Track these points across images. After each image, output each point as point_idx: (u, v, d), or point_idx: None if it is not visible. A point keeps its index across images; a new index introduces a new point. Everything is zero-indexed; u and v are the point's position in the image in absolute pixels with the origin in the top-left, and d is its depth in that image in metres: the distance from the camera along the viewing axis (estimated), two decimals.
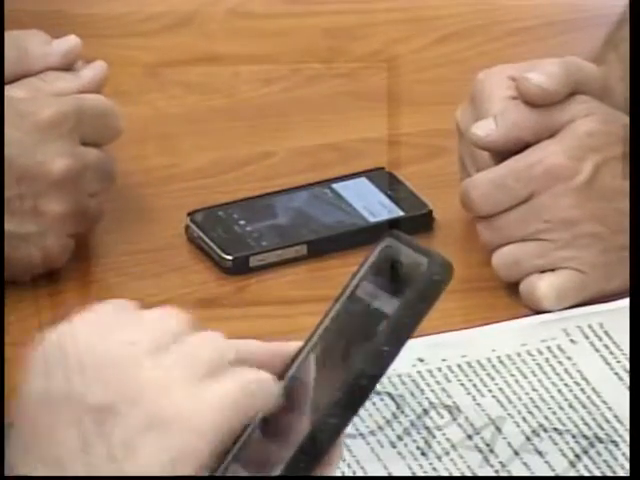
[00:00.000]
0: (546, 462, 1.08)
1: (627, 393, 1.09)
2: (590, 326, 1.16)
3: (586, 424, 1.03)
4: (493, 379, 1.09)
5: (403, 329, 0.78)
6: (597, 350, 1.11)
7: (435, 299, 0.76)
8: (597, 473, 1.13)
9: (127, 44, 1.85)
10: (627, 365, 1.12)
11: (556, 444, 1.08)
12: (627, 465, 1.06)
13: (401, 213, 1.16)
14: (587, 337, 1.15)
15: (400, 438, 1.03)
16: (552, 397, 1.06)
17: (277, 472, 0.82)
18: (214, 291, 1.11)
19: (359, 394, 0.80)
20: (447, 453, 1.06)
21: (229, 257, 1.06)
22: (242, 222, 1.13)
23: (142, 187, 1.37)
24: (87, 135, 1.05)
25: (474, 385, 1.11)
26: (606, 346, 1.20)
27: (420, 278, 0.76)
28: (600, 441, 1.05)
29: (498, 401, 1.11)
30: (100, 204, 1.12)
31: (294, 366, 0.82)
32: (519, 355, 1.09)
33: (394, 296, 0.77)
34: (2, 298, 1.13)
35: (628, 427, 1.15)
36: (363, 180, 1.18)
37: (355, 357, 0.81)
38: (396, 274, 0.80)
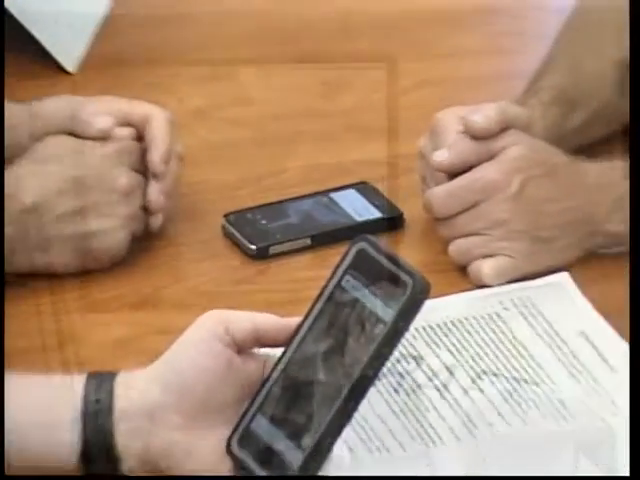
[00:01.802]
0: (487, 399, 1.21)
1: (546, 347, 1.19)
2: (520, 298, 1.30)
3: (516, 370, 1.19)
4: (448, 337, 1.24)
5: (398, 334, 0.82)
6: (524, 316, 1.27)
7: (419, 310, 0.82)
8: (525, 407, 1.28)
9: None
10: (546, 327, 1.21)
11: (494, 384, 1.20)
12: (545, 400, 1.29)
13: (380, 215, 1.28)
14: (517, 306, 1.29)
15: (379, 379, 1.11)
16: (491, 350, 1.23)
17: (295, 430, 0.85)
18: (242, 272, 1.24)
19: (366, 384, 0.83)
20: (414, 391, 1.16)
21: (254, 247, 1.18)
22: (264, 221, 1.25)
23: (187, 196, 1.45)
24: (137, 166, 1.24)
25: (434, 341, 1.22)
26: (531, 313, 1.34)
27: (410, 295, 0.81)
28: (525, 382, 1.26)
29: (451, 353, 1.22)
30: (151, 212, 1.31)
31: (296, 339, 0.84)
32: (467, 319, 1.20)
33: (386, 305, 0.83)
34: (2, 298, 1.19)
35: (547, 372, 1.34)
36: (352, 191, 1.29)
37: (360, 355, 0.82)
38: (382, 281, 0.91)
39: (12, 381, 1.05)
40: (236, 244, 1.24)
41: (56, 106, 1.31)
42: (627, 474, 1.02)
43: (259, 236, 1.22)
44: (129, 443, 0.95)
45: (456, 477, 1.07)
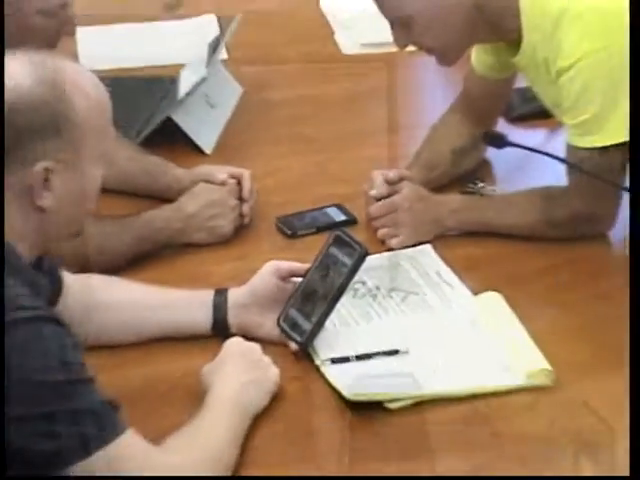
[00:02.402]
0: (395, 300, 1.91)
1: (419, 277, 1.99)
2: (407, 255, 2.05)
3: (407, 286, 1.94)
4: (377, 271, 1.96)
5: (354, 272, 1.65)
6: (410, 263, 2.04)
7: (363, 261, 1.66)
8: (413, 304, 1.91)
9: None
10: (419, 268, 2.03)
11: (398, 294, 1.91)
12: (421, 301, 1.92)
13: (346, 218, 2.15)
14: (407, 259, 2.04)
15: (346, 291, 1.76)
16: (397, 277, 1.99)
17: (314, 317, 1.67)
18: (284, 246, 2.11)
19: (340, 292, 1.64)
20: (362, 296, 1.89)
21: (290, 232, 2.10)
22: (295, 222, 2.13)
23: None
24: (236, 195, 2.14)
25: (371, 275, 1.93)
26: (413, 262, 2.04)
27: (358, 256, 1.65)
28: (415, 293, 1.93)
29: (379, 279, 1.94)
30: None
31: (310, 272, 1.69)
32: (385, 265, 2.01)
33: (350, 259, 1.66)
34: (2, 289, 1.54)
35: (423, 289, 1.96)
36: (333, 208, 2.16)
37: (340, 279, 1.65)
38: (346, 249, 1.68)
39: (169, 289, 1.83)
40: (282, 232, 2.14)
41: (201, 170, 2.24)
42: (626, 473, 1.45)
43: (294, 226, 2.12)
44: (234, 320, 1.74)
45: (457, 477, 1.64)
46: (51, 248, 1.70)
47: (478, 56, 2.28)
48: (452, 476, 1.67)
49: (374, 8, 2.10)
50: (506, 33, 2.08)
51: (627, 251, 1.84)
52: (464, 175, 2.36)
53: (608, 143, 2.00)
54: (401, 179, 2.18)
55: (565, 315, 1.96)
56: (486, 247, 2.17)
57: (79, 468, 1.45)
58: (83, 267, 1.94)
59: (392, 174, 2.19)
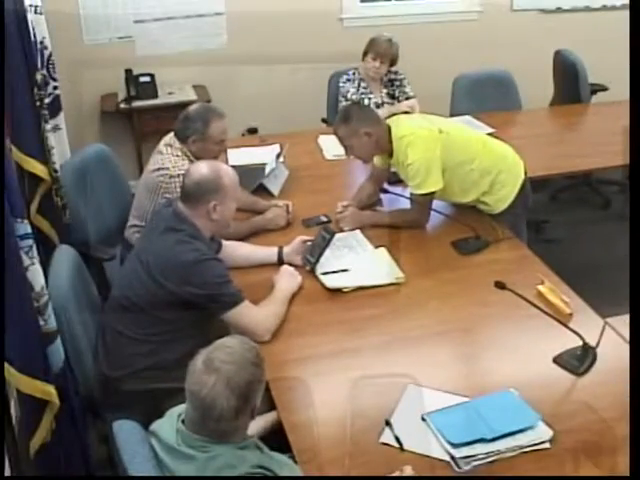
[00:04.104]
0: (340, 251, 3.33)
1: (357, 243, 3.43)
2: (352, 234, 3.50)
3: (352, 247, 3.40)
4: (340, 240, 3.38)
5: (330, 241, 3.29)
6: (352, 238, 3.45)
7: (333, 237, 3.30)
8: (352, 255, 3.33)
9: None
10: (356, 242, 3.46)
11: (345, 245, 3.35)
12: (356, 255, 3.34)
13: (328, 220, 3.64)
14: (351, 235, 3.48)
15: (327, 248, 3.21)
16: (347, 243, 3.41)
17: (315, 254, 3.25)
18: (303, 231, 3.50)
19: (324, 249, 3.27)
20: (332, 248, 3.29)
21: (306, 225, 3.59)
22: (308, 222, 3.62)
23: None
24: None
25: (337, 246, 3.33)
26: (353, 237, 3.48)
27: (332, 234, 3.30)
28: (352, 247, 3.37)
29: (341, 242, 3.36)
30: None
31: (315, 240, 3.30)
32: (343, 236, 3.46)
33: (329, 235, 3.30)
34: (2, 300, 1.91)
35: (357, 249, 3.40)
36: (323, 216, 3.62)
37: (325, 242, 3.28)
38: (328, 231, 3.33)
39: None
40: (305, 225, 3.61)
41: (272, 202, 3.75)
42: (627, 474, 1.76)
43: (308, 223, 3.58)
44: (285, 258, 3.27)
45: (457, 477, 2.01)
46: (216, 233, 3.01)
47: (376, 158, 3.71)
48: (452, 476, 2.24)
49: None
50: (387, 149, 3.52)
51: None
52: (371, 204, 3.82)
53: (423, 192, 3.49)
54: (348, 205, 3.62)
55: (411, 254, 3.38)
56: (381, 230, 3.59)
57: (232, 313, 2.74)
58: (227, 239, 3.25)
59: (346, 203, 3.64)
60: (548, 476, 2.16)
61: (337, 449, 2.29)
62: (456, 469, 2.22)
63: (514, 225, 3.68)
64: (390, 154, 3.54)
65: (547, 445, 2.30)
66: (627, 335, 2.74)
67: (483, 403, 2.43)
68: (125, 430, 2.11)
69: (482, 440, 2.27)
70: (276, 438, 2.35)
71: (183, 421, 2.04)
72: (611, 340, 2.76)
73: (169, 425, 2.05)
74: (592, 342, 2.70)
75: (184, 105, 3.84)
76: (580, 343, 2.69)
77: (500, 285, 2.79)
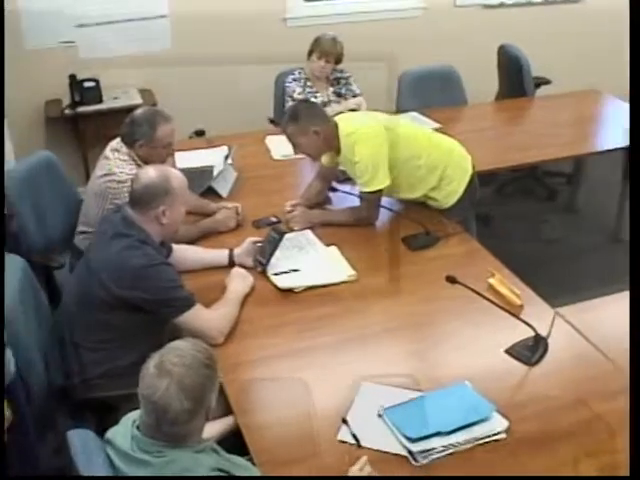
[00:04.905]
0: (297, 247, 3.36)
1: (307, 243, 3.41)
2: (302, 233, 3.49)
3: (302, 246, 3.37)
4: (290, 240, 3.36)
5: (279, 241, 3.25)
6: (303, 237, 3.44)
7: (284, 236, 3.26)
8: (302, 254, 3.32)
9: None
10: (305, 240, 3.43)
11: (294, 246, 3.33)
12: (306, 255, 3.33)
13: (277, 220, 3.61)
14: (301, 235, 3.48)
15: (277, 248, 3.27)
16: (297, 242, 3.40)
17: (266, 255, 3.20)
18: (254, 232, 3.48)
19: (274, 249, 3.24)
20: (281, 248, 3.31)
21: (256, 226, 3.58)
22: (259, 223, 3.57)
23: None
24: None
25: (285, 246, 3.32)
26: (304, 236, 3.48)
27: (281, 234, 3.28)
28: (302, 247, 3.36)
29: (291, 242, 3.33)
30: None
31: (265, 241, 3.26)
32: (293, 236, 3.45)
33: (278, 235, 3.27)
34: (2, 294, 2.07)
35: (307, 248, 3.38)
36: (273, 217, 3.58)
37: (275, 242, 3.25)
38: (277, 231, 3.30)
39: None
40: (255, 226, 3.57)
41: (221, 204, 3.67)
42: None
43: (258, 224, 3.53)
44: (236, 260, 3.24)
45: (457, 477, 2.03)
46: (165, 238, 2.98)
47: (324, 157, 3.68)
48: (451, 476, 2.25)
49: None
50: (336, 147, 3.53)
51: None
52: (320, 203, 3.82)
53: (371, 190, 3.50)
54: (297, 204, 3.65)
55: (362, 252, 3.40)
56: (331, 229, 3.59)
57: (184, 317, 2.73)
58: (177, 243, 3.22)
59: (294, 202, 3.66)
60: (549, 476, 2.19)
61: (295, 449, 2.29)
62: (414, 463, 2.24)
63: (463, 219, 3.70)
64: (338, 152, 3.54)
65: (503, 435, 2.33)
66: (577, 324, 2.82)
67: (438, 397, 2.44)
68: (80, 439, 2.08)
69: (438, 433, 2.28)
70: (234, 441, 2.35)
71: (138, 427, 2.03)
72: (561, 329, 2.81)
73: (124, 432, 2.04)
74: (543, 332, 2.74)
75: (130, 109, 3.82)
76: (531, 334, 2.73)
77: (451, 279, 2.82)
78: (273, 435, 2.36)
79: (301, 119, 3.46)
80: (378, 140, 3.45)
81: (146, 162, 3.34)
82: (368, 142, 3.45)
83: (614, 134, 5.04)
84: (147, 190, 2.81)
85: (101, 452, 2.07)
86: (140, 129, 3.42)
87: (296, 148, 3.57)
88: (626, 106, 5.37)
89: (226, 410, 2.48)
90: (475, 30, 6.49)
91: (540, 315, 2.85)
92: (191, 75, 5.72)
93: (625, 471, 2.07)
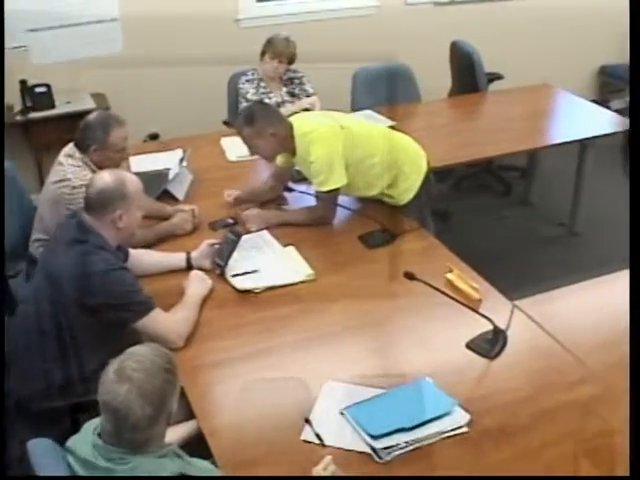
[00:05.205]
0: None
1: (264, 243, 3.40)
2: (259, 235, 3.48)
3: (259, 247, 3.35)
4: (247, 241, 3.35)
5: (237, 243, 3.23)
6: (260, 238, 3.43)
7: (240, 239, 3.23)
8: (261, 254, 3.32)
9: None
10: (262, 241, 3.44)
11: (251, 247, 3.45)
12: (263, 255, 3.30)
13: (234, 222, 3.58)
14: (258, 236, 3.45)
15: (234, 250, 3.28)
16: (254, 243, 3.41)
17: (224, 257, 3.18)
18: (211, 235, 3.47)
19: (231, 251, 3.23)
20: (239, 249, 3.37)
21: (213, 228, 3.57)
22: (215, 225, 3.56)
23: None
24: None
25: (245, 248, 3.31)
26: (261, 237, 3.46)
27: (238, 235, 3.26)
28: (260, 248, 3.36)
29: (248, 242, 3.37)
30: None
31: (222, 243, 3.25)
32: (249, 237, 3.44)
33: (235, 237, 3.25)
34: (3, 292, 2.51)
35: (264, 248, 3.36)
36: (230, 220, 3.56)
37: (232, 244, 3.23)
38: (234, 233, 3.29)
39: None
40: (211, 228, 3.57)
41: (177, 206, 3.64)
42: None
43: (214, 226, 3.53)
44: (194, 262, 3.22)
45: (456, 477, 2.15)
46: (122, 242, 2.95)
47: (279, 157, 3.65)
48: (452, 476, 2.22)
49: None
50: (290, 147, 3.52)
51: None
52: (276, 202, 3.84)
53: (327, 189, 3.50)
54: (238, 195, 3.72)
55: (320, 251, 3.40)
56: (288, 229, 3.57)
57: (143, 321, 2.72)
58: (134, 247, 3.19)
59: (233, 192, 3.75)
60: (548, 476, 2.19)
61: (258, 450, 2.28)
62: (377, 460, 2.25)
63: (419, 216, 3.72)
64: (293, 152, 3.54)
65: (465, 429, 2.34)
66: (535, 316, 2.85)
67: (400, 393, 2.45)
68: (40, 449, 2.07)
69: (401, 430, 2.29)
70: (197, 444, 2.34)
71: (99, 434, 2.00)
72: (520, 322, 2.84)
73: (85, 440, 2.02)
74: (502, 325, 2.76)
75: (83, 114, 3.78)
76: (490, 327, 2.75)
77: (409, 276, 2.83)
78: (236, 437, 2.34)
79: (257, 121, 3.45)
80: (333, 139, 3.45)
81: (100, 167, 3.30)
82: (323, 142, 3.45)
83: (566, 127, 5.14)
84: (103, 195, 2.79)
85: (62, 461, 2.04)
86: (93, 134, 3.40)
87: (252, 150, 3.56)
88: (577, 99, 5.48)
89: (188, 414, 2.46)
90: (427, 27, 6.53)
91: (498, 308, 2.88)
92: (144, 78, 5.69)
93: (586, 461, 2.19)
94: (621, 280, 3.06)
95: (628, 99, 6.97)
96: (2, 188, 3.25)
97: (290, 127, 3.51)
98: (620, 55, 7.45)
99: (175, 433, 2.27)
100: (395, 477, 2.19)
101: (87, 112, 3.82)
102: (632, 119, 2.39)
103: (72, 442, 2.09)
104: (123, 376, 1.92)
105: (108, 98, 5.61)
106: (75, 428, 2.16)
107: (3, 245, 2.46)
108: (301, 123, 3.54)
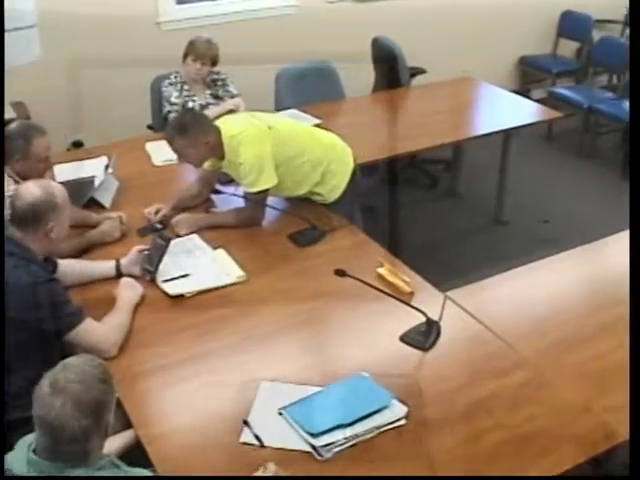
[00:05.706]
0: (187, 251, 3.54)
1: (196, 248, 3.37)
2: (189, 238, 3.46)
3: (192, 253, 3.34)
4: (176, 245, 3.35)
5: (166, 247, 3.20)
6: (189, 241, 3.40)
7: (170, 242, 3.21)
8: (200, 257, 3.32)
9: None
10: (192, 244, 3.41)
11: (182, 252, 3.40)
12: (203, 258, 3.27)
13: (162, 227, 3.53)
14: (188, 239, 3.43)
15: (166, 255, 3.53)
16: (184, 247, 3.38)
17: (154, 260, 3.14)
18: (140, 241, 3.43)
19: (161, 256, 3.20)
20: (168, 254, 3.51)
21: (141, 234, 3.51)
22: (143, 231, 3.49)
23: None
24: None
25: (178, 251, 3.30)
26: (190, 241, 3.45)
27: (168, 240, 3.22)
28: (191, 251, 3.30)
29: (177, 246, 3.35)
30: None
31: (152, 248, 3.20)
32: (179, 240, 3.41)
33: (164, 242, 3.19)
34: (2, 302, 2.08)
35: (197, 253, 3.32)
36: (159, 224, 3.54)
37: (161, 249, 3.19)
38: (163, 238, 3.25)
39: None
40: (140, 235, 3.50)
41: (104, 214, 3.55)
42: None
43: (144, 232, 3.48)
44: (124, 270, 3.17)
45: (456, 477, 2.11)
46: (51, 253, 2.94)
47: (207, 162, 3.64)
48: (452, 476, 2.21)
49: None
50: (219, 153, 3.51)
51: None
52: (196, 206, 3.79)
53: (258, 189, 3.49)
54: (158, 210, 3.62)
55: (250, 252, 3.37)
56: (218, 231, 3.55)
57: (75, 332, 2.67)
58: (62, 257, 3.15)
59: (154, 208, 3.67)
60: (548, 476, 2.18)
61: (197, 455, 2.27)
62: (318, 458, 2.26)
63: (348, 212, 3.73)
64: (222, 157, 3.54)
65: (403, 422, 2.37)
66: (466, 306, 2.90)
67: (337, 390, 2.46)
68: None
69: (340, 426, 2.30)
70: (137, 453, 2.31)
71: (34, 450, 1.96)
72: (452, 312, 2.89)
73: (20, 457, 1.97)
74: (435, 317, 2.80)
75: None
76: (424, 319, 2.79)
77: (340, 273, 2.84)
78: (175, 444, 2.32)
79: (190, 132, 3.41)
80: (262, 140, 3.45)
81: (24, 178, 3.23)
82: (252, 143, 3.45)
83: (489, 118, 5.24)
84: (34, 208, 2.74)
85: None
86: (15, 144, 3.33)
87: (182, 158, 3.53)
88: (499, 91, 5.57)
89: (126, 424, 2.44)
90: (348, 24, 6.57)
91: (431, 300, 2.91)
92: (64, 84, 5.60)
93: (524, 444, 2.24)
94: (547, 266, 3.22)
95: (548, 89, 7.11)
96: (2, 188, 3.20)
97: (219, 133, 3.49)
98: (539, 46, 7.61)
99: (113, 443, 2.23)
100: (336, 477, 2.22)
101: (8, 122, 3.76)
102: (632, 119, 2.40)
103: (7, 460, 2.03)
104: (57, 388, 1.88)
105: (28, 107, 5.50)
106: (9, 446, 2.09)
107: (3, 244, 2.51)
108: (229, 126, 3.51)
